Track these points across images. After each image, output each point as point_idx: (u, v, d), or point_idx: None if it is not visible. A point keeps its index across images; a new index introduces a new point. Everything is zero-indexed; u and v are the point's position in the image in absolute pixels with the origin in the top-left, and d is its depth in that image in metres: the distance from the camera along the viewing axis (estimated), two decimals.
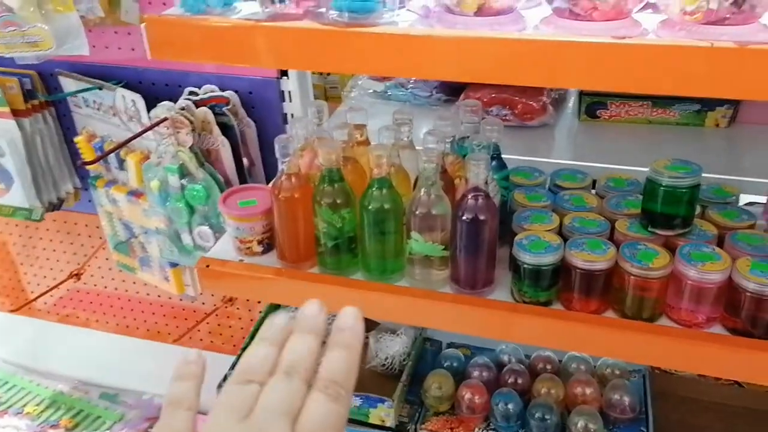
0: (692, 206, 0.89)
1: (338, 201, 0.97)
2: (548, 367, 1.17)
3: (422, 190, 0.93)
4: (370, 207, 0.95)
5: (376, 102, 1.54)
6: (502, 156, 1.02)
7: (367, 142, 1.09)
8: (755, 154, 1.22)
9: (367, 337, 1.28)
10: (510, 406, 1.08)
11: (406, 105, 1.51)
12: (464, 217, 0.90)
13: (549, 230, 0.94)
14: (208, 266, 1.05)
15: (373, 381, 1.22)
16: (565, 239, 0.92)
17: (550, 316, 0.89)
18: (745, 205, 1.01)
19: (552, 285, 0.91)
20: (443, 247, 0.95)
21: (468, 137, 1.04)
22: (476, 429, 1.11)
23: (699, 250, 0.86)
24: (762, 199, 1.02)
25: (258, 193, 1.11)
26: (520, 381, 1.13)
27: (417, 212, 0.93)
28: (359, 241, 1.01)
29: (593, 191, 1.06)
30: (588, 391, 1.10)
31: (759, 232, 0.90)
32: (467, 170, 0.90)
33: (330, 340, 0.43)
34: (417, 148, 1.06)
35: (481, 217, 0.90)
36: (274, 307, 1.33)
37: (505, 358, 1.20)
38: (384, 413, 1.12)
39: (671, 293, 0.87)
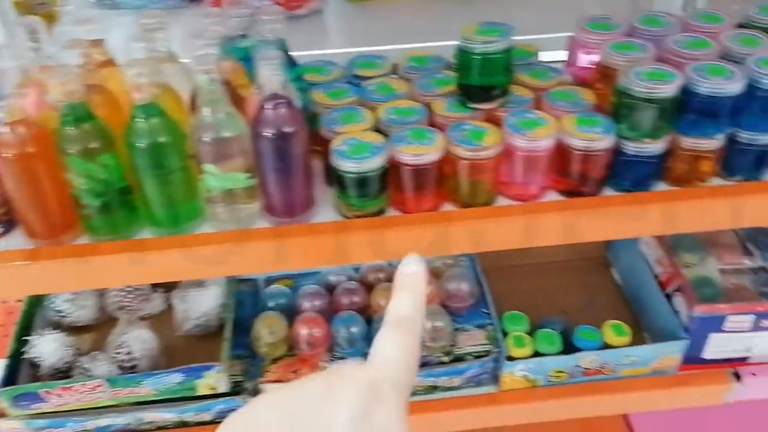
0: (509, 71, 0.82)
1: (93, 145, 0.73)
2: (381, 276, 1.09)
3: (205, 109, 0.73)
4: (139, 144, 0.73)
5: (103, 14, 1.23)
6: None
7: (111, 62, 0.84)
8: (533, 10, 1.20)
9: (168, 301, 1.07)
10: (353, 329, 0.98)
11: (143, 12, 1.22)
12: (267, 133, 0.73)
13: (365, 129, 0.81)
14: None
15: (191, 347, 1.03)
16: (384, 135, 0.80)
17: (388, 226, 0.78)
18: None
19: (382, 190, 0.79)
20: (247, 174, 0.78)
21: (243, 35, 0.84)
22: (321, 363, 1.00)
23: (524, 117, 0.80)
24: (554, 55, 0.99)
25: None
26: (356, 299, 1.03)
27: (205, 139, 0.73)
28: (136, 189, 0.78)
29: (396, 76, 0.95)
30: (427, 288, 1.04)
31: (571, 86, 0.87)
32: (259, 74, 0.72)
33: (395, 286, 0.45)
34: (180, 60, 0.84)
35: (288, 129, 0.73)
36: (34, 303, 1.04)
37: (333, 278, 1.09)
38: (213, 380, 0.95)
39: (504, 170, 0.81)
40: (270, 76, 0.71)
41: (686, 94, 0.76)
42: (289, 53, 0.85)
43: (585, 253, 1.21)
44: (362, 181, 0.77)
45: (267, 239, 0.78)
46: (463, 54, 0.80)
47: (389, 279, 1.08)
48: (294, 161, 0.76)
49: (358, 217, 0.80)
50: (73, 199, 0.77)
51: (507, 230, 0.79)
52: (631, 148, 0.79)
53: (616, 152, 0.80)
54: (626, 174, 0.81)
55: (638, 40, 0.84)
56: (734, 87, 0.74)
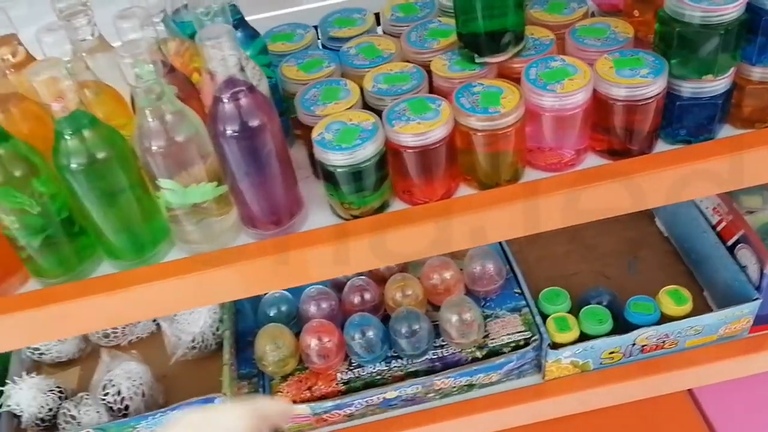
0: (521, 9, 0.65)
1: (15, 174, 0.58)
2: (394, 265, 0.94)
3: (146, 112, 0.57)
4: (73, 166, 0.58)
5: None
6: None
7: (29, 59, 0.68)
8: None
9: (157, 325, 0.94)
10: (369, 333, 0.85)
11: None
12: (229, 132, 0.58)
13: (350, 107, 0.65)
14: None
15: (188, 373, 0.90)
16: (376, 112, 0.64)
17: (398, 225, 0.63)
18: None
19: (383, 179, 0.64)
20: (216, 183, 0.63)
21: (186, 5, 0.68)
22: (339, 375, 0.87)
23: (548, 66, 0.63)
24: None
25: None
26: (368, 296, 0.90)
27: (153, 148, 0.58)
28: (84, 217, 0.63)
29: (380, 31, 0.78)
30: (447, 274, 0.90)
31: (600, 18, 0.70)
32: (206, 59, 0.56)
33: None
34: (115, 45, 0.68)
35: (254, 123, 0.58)
36: None
37: (340, 275, 0.95)
38: None
39: (530, 135, 0.65)
40: (220, 58, 0.55)
41: (754, 12, 0.59)
42: (246, 20, 0.68)
43: None
44: (356, 175, 0.62)
45: (254, 259, 0.63)
46: None
47: (404, 269, 0.94)
48: (267, 160, 0.60)
49: (357, 216, 0.65)
50: (10, 241, 0.63)
51: (547, 211, 0.64)
52: (687, 89, 0.63)
53: (669, 96, 0.63)
54: (683, 121, 0.65)
55: None
56: None
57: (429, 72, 0.68)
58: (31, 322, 0.63)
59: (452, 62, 0.68)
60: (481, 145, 0.63)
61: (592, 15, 0.75)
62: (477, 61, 0.66)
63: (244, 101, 0.57)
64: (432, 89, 0.68)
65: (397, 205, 0.67)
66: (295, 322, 0.91)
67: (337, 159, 0.60)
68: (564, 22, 0.71)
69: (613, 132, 0.65)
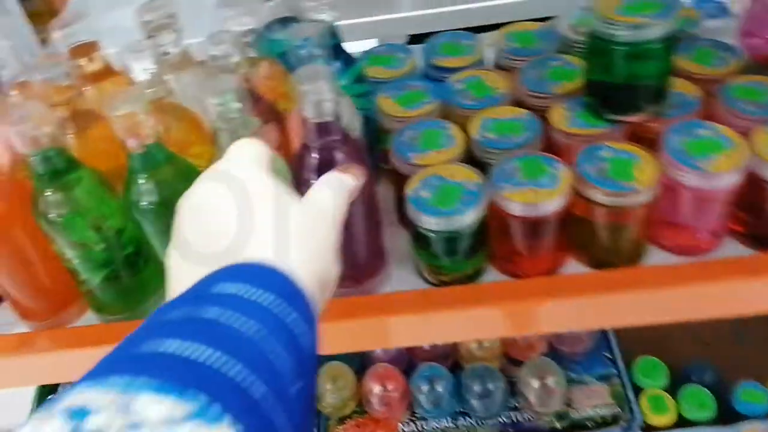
0: (670, 58, 0.55)
1: (82, 205, 0.53)
2: None
3: None
4: (143, 204, 0.52)
5: None
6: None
7: (108, 72, 0.62)
8: None
9: None
10: (438, 386, 0.78)
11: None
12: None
13: (453, 158, 0.57)
14: None
15: None
16: (480, 166, 0.56)
17: (499, 300, 0.55)
18: None
19: (480, 245, 0.56)
20: None
21: (286, 19, 0.61)
22: (400, 426, 0.80)
23: (694, 135, 0.53)
24: None
25: None
26: (440, 344, 0.83)
27: None
28: (150, 252, 0.58)
29: (490, 66, 0.69)
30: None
31: (757, 77, 0.58)
32: (299, 100, 0.48)
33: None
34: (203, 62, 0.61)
35: None
36: (46, 392, 0.87)
37: None
38: None
39: (661, 209, 0.55)
40: (315, 102, 0.48)
41: None
42: (342, 45, 0.60)
43: None
44: (452, 241, 0.54)
45: (326, 322, 0.57)
46: (597, 42, 0.53)
47: None
48: (354, 216, 0.53)
49: (447, 283, 0.57)
50: (71, 273, 0.58)
51: (672, 303, 0.55)
52: None
53: None
54: None
55: None
56: None
57: (544, 118, 0.59)
58: (84, 359, 0.59)
59: (574, 114, 0.58)
60: (603, 220, 0.54)
61: (746, 68, 0.63)
62: (607, 117, 0.57)
63: (336, 152, 0.50)
64: (547, 141, 0.59)
65: (491, 273, 0.58)
66: (360, 362, 0.85)
67: (432, 223, 0.53)
68: (713, 75, 0.60)
69: (761, 217, 0.54)
